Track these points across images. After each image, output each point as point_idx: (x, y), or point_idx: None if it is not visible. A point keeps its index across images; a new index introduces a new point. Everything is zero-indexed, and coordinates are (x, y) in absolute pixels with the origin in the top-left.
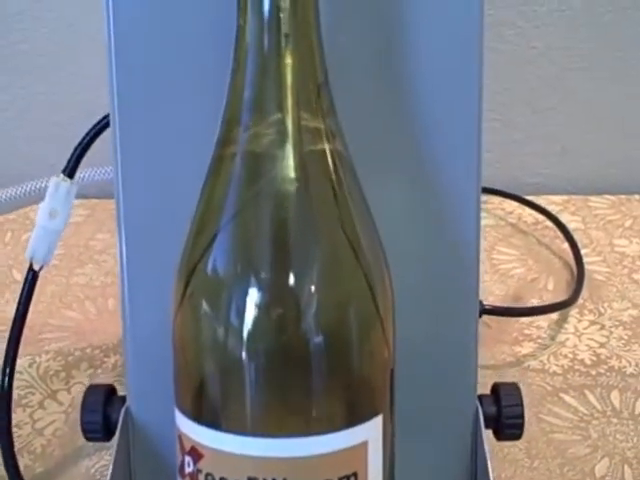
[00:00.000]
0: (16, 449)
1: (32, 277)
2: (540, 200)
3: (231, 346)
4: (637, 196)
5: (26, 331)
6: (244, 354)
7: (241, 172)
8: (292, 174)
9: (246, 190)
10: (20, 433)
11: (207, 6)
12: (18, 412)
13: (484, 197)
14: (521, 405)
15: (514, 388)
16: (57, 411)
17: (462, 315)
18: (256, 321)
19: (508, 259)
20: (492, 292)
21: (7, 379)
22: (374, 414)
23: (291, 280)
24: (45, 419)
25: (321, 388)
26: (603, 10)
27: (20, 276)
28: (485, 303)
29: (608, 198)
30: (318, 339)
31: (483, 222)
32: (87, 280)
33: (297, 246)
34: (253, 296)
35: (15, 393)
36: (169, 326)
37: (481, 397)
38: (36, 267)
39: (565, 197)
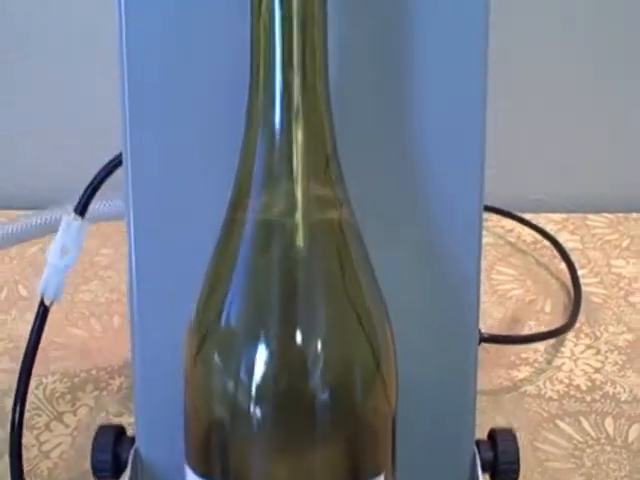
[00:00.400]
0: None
1: (43, 312)
2: (540, 218)
3: (241, 402)
4: (635, 214)
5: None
6: (252, 411)
7: (252, 238)
8: (301, 242)
9: (257, 255)
10: (27, 456)
11: (221, 59)
12: (25, 434)
13: (484, 215)
14: (517, 451)
15: (510, 434)
16: (63, 433)
17: (461, 362)
18: (264, 380)
19: (507, 279)
20: (491, 314)
21: (18, 416)
22: (376, 473)
23: (298, 342)
24: (51, 441)
25: (325, 446)
26: (604, 30)
27: (26, 292)
28: (483, 331)
29: (606, 217)
30: (322, 397)
31: (482, 240)
32: (92, 297)
33: (304, 310)
34: (262, 356)
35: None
36: (179, 369)
37: (478, 442)
38: (47, 302)
39: (564, 215)
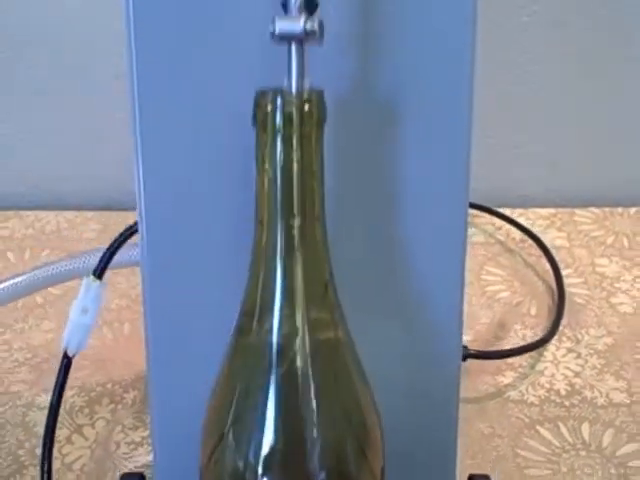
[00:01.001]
0: None
1: (66, 364)
2: (529, 214)
3: None
4: (620, 209)
5: (49, 357)
6: None
7: (256, 357)
8: (301, 360)
9: (262, 369)
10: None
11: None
12: None
13: (474, 211)
14: None
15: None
16: (83, 446)
17: (442, 423)
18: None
19: (495, 280)
20: (479, 319)
21: (47, 466)
22: None
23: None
24: (73, 454)
25: None
26: (590, 28)
27: (41, 299)
28: (469, 342)
29: (593, 212)
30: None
31: (473, 239)
32: (103, 304)
33: (304, 413)
34: (268, 443)
35: (44, 428)
36: (196, 442)
37: None
38: (70, 354)
39: (552, 210)
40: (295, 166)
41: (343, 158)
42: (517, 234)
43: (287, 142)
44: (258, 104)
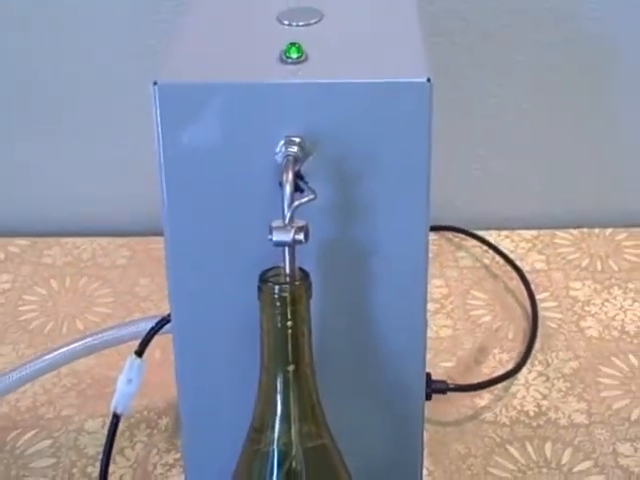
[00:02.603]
0: None
1: (116, 421)
2: (514, 235)
3: None
4: (597, 230)
5: (92, 383)
6: None
7: (264, 461)
8: (297, 464)
9: (269, 470)
10: None
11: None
12: (97, 466)
13: (463, 235)
14: None
15: None
16: (125, 466)
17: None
18: None
19: (479, 305)
20: (462, 345)
21: None
22: None
23: None
24: (117, 472)
25: None
26: (575, 58)
27: (82, 326)
28: (449, 379)
29: (572, 233)
30: None
31: (462, 263)
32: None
33: None
34: None
35: (93, 450)
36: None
37: None
38: (118, 412)
39: (535, 232)
40: (289, 330)
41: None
42: (501, 258)
43: (283, 316)
44: (261, 289)
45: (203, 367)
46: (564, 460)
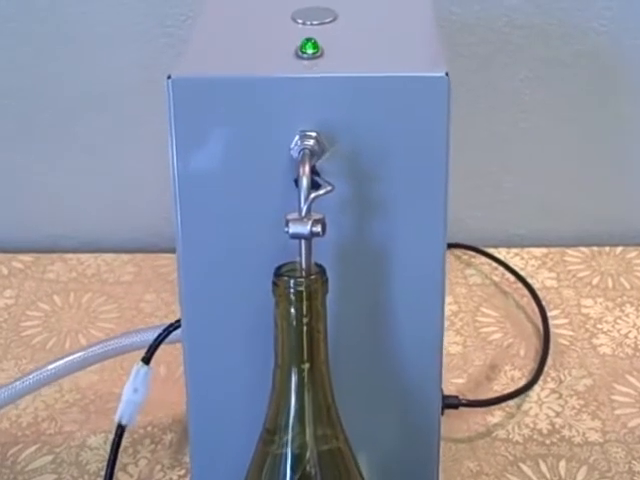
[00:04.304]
0: None
1: (121, 432)
2: (524, 253)
3: None
4: (607, 248)
5: (95, 399)
6: None
7: (277, 464)
8: (313, 468)
9: (281, 475)
10: None
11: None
12: None
13: (472, 253)
14: None
15: None
16: None
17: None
18: None
19: (489, 322)
20: (473, 362)
21: None
22: None
23: None
24: None
25: None
26: (583, 74)
27: (85, 341)
28: (461, 394)
29: (582, 251)
30: None
31: (471, 280)
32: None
33: None
34: None
35: (95, 466)
36: None
37: None
38: (123, 423)
39: (545, 250)
40: (305, 326)
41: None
42: (511, 274)
43: (298, 311)
44: (276, 283)
45: (214, 372)
46: (579, 478)
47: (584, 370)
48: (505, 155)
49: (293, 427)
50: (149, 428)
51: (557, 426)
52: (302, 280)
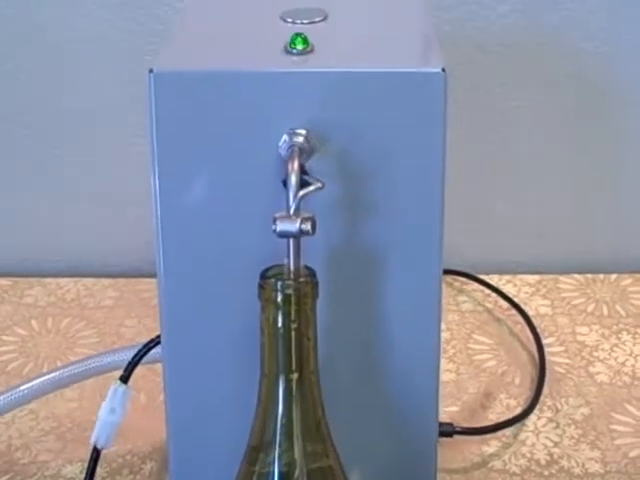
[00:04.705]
0: None
1: (96, 457)
2: (516, 280)
3: None
4: (601, 275)
5: (72, 427)
6: None
7: None
8: None
9: None
10: None
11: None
12: None
13: (464, 279)
14: None
15: None
16: None
17: None
18: None
19: (482, 349)
20: (466, 390)
21: None
22: None
23: None
24: None
25: None
26: (578, 96)
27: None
28: (455, 423)
29: (576, 278)
30: None
31: (463, 307)
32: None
33: None
34: None
35: None
36: None
37: None
38: (99, 448)
39: (537, 277)
40: (293, 333)
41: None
42: (504, 301)
43: (286, 316)
44: (263, 286)
45: (195, 389)
46: None
47: (581, 399)
48: (497, 180)
49: (280, 443)
50: (128, 457)
51: (555, 456)
52: (291, 282)
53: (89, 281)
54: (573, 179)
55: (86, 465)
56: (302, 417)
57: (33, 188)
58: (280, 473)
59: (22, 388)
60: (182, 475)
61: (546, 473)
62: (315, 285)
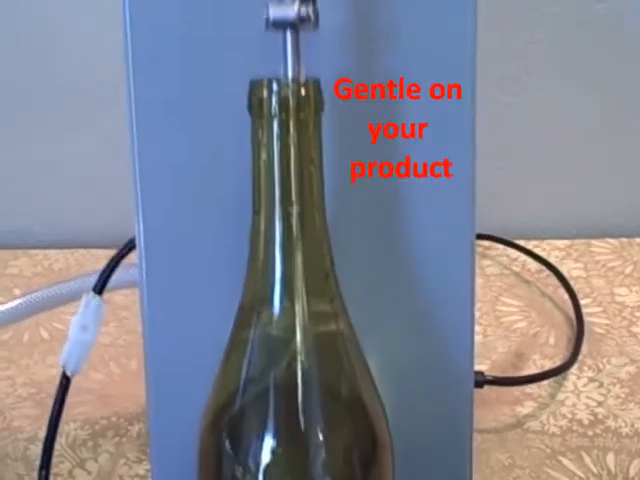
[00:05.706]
0: None
1: (65, 385)
2: (544, 245)
3: None
4: (638, 239)
5: (53, 393)
6: None
7: (257, 351)
8: (302, 354)
9: (262, 364)
10: None
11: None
12: None
13: (488, 243)
14: None
15: None
16: None
17: (456, 447)
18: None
19: (511, 311)
20: (495, 349)
21: None
22: None
23: (302, 437)
24: None
25: None
26: (605, 65)
27: (47, 334)
28: (487, 370)
29: (610, 242)
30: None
31: (488, 271)
32: (111, 340)
33: (307, 410)
34: (268, 447)
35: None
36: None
37: None
38: (68, 373)
39: (568, 242)
40: (292, 152)
41: (344, 154)
42: (533, 265)
43: (284, 127)
44: (253, 90)
45: (175, 314)
46: (632, 472)
47: (625, 357)
48: (524, 143)
49: (277, 300)
50: (114, 419)
51: (600, 416)
52: (288, 85)
53: (79, 252)
54: (604, 141)
55: (66, 428)
56: (305, 266)
57: (29, 159)
58: (277, 339)
59: None
60: (161, 414)
61: (590, 433)
62: (319, 92)
